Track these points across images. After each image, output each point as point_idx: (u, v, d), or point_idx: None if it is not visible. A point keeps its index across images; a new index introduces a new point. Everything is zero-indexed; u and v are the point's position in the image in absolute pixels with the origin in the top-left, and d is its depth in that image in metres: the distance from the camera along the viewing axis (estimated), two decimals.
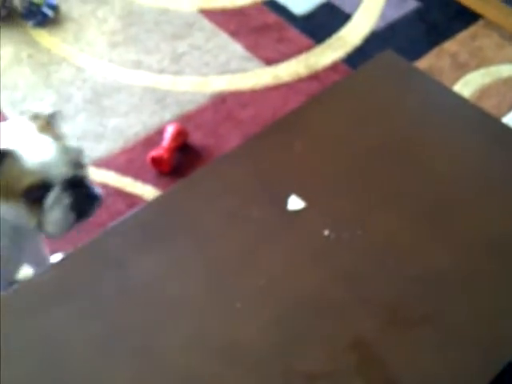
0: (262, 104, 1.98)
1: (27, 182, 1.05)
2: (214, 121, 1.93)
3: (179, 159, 1.81)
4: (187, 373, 0.85)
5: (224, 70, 2.13)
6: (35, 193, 1.05)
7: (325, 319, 0.92)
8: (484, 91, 2.03)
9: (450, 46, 2.20)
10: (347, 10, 2.34)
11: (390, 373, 0.86)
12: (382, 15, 2.32)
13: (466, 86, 2.05)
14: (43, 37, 2.25)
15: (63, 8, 2.36)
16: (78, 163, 1.11)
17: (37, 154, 1.06)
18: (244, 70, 2.13)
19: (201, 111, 1.96)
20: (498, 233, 1.01)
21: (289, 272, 0.96)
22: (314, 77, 2.08)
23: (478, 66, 2.12)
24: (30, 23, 2.28)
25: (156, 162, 1.76)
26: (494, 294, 0.94)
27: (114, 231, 1.02)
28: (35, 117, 1.13)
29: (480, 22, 2.27)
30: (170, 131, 1.82)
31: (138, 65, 2.13)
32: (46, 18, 2.29)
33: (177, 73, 2.12)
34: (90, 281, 0.95)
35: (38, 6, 2.27)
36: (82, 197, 1.09)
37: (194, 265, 0.97)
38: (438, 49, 2.19)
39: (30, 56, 2.18)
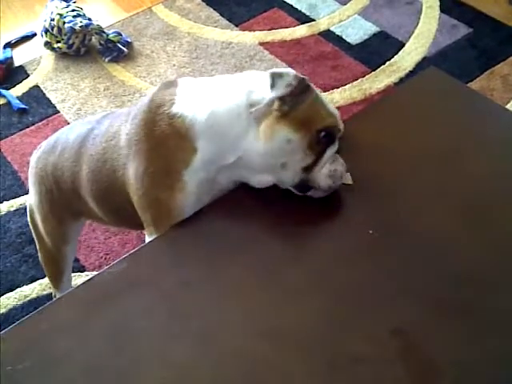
0: None
1: (327, 122, 1.03)
2: None
3: None
4: (240, 354, 0.91)
5: None
6: (324, 137, 1.02)
7: (368, 308, 0.94)
8: None
9: (501, 69, 2.24)
10: (400, 37, 2.42)
11: (430, 359, 0.88)
12: (434, 42, 2.39)
13: None
14: (118, 71, 2.43)
15: (136, 45, 2.54)
16: None
17: (330, 104, 1.07)
18: None
19: None
20: None
21: (334, 264, 1.01)
22: (368, 100, 2.16)
23: None
24: (107, 59, 2.46)
25: None
26: None
27: (174, 232, 1.09)
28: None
29: None
30: None
31: None
32: (121, 54, 2.47)
33: None
34: (153, 274, 1.02)
35: (114, 42, 2.46)
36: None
37: (245, 257, 1.03)
38: (489, 72, 2.23)
39: (106, 88, 2.36)
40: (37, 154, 1.40)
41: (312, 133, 1.02)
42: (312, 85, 1.04)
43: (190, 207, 1.08)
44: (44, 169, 1.35)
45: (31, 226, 1.48)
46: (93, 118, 1.34)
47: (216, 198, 1.11)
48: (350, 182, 1.11)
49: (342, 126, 1.06)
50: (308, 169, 1.03)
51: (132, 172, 1.10)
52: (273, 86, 0.99)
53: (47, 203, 1.38)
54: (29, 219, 1.47)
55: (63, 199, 1.34)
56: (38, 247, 1.51)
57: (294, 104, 1.01)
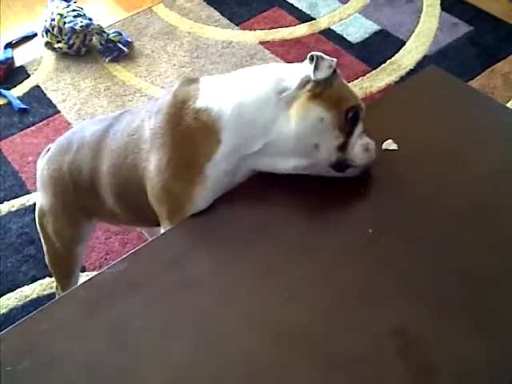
0: None
1: (353, 102, 1.07)
2: None
3: None
4: (240, 353, 0.91)
5: None
6: (351, 117, 1.06)
7: (368, 307, 0.94)
8: None
9: (501, 67, 2.23)
10: (401, 36, 2.42)
11: (430, 359, 0.88)
12: (435, 40, 2.38)
13: None
14: (119, 71, 2.43)
15: (137, 45, 2.54)
16: None
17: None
18: None
19: None
20: None
21: (334, 263, 1.01)
22: (369, 99, 2.15)
23: None
24: (107, 59, 2.46)
25: None
26: None
27: (174, 232, 1.09)
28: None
29: None
30: None
31: None
32: (121, 54, 2.47)
33: None
34: (153, 275, 1.01)
35: (115, 42, 2.46)
36: None
37: (245, 258, 1.03)
38: (490, 70, 2.22)
39: (107, 88, 2.36)
40: (45, 156, 1.41)
41: (341, 112, 1.05)
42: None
43: (206, 201, 1.10)
44: (59, 169, 1.35)
45: (39, 229, 1.47)
46: (106, 116, 1.36)
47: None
48: (395, 147, 1.15)
49: (363, 106, 1.10)
50: (341, 148, 1.06)
51: (154, 164, 1.11)
52: (316, 68, 1.02)
53: (62, 204, 1.39)
54: (37, 221, 1.46)
55: (79, 199, 1.34)
56: (45, 249, 1.50)
57: (326, 85, 1.03)
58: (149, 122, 1.15)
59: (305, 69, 1.05)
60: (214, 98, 1.09)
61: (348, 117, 1.05)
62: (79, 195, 1.33)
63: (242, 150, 1.08)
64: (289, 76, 1.06)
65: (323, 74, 1.02)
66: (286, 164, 1.09)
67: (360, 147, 1.07)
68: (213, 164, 1.07)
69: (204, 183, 1.08)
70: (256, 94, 1.06)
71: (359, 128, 1.08)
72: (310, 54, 1.03)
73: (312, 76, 1.02)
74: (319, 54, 1.03)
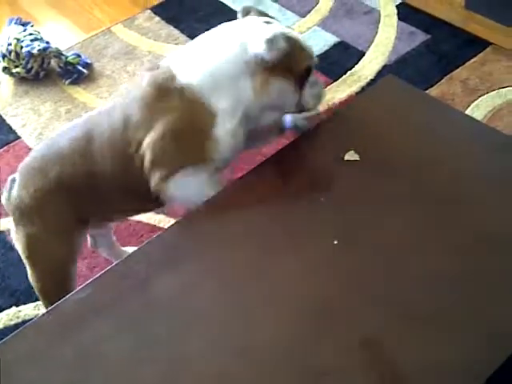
0: None
1: (308, 62, 1.22)
2: None
3: None
4: (209, 374, 0.91)
5: None
6: (304, 74, 1.22)
7: (336, 319, 0.95)
8: (495, 113, 2.09)
9: (460, 73, 2.26)
10: (360, 47, 2.43)
11: (399, 369, 0.88)
12: (394, 50, 2.40)
13: (478, 110, 2.10)
14: (79, 93, 2.41)
15: (96, 66, 2.51)
16: None
17: (306, 42, 1.23)
18: None
19: None
20: (497, 233, 1.04)
21: (300, 277, 1.01)
22: (331, 110, 2.14)
23: (488, 90, 2.17)
24: (67, 81, 2.44)
25: None
26: (494, 291, 0.97)
27: (139, 253, 1.09)
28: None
29: (488, 49, 2.33)
30: None
31: None
32: (81, 76, 2.44)
33: None
34: (119, 298, 1.01)
35: (74, 65, 2.43)
36: None
37: (212, 276, 1.04)
38: (449, 77, 2.24)
39: (67, 111, 2.33)
40: (14, 187, 1.38)
41: (296, 76, 1.20)
42: (290, 31, 1.21)
43: (228, 152, 1.21)
44: (42, 189, 1.33)
45: (28, 262, 1.41)
46: (72, 124, 1.38)
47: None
48: (356, 157, 1.20)
49: (315, 58, 1.26)
50: (298, 102, 1.23)
51: (156, 135, 1.17)
52: (269, 49, 1.13)
53: (55, 222, 1.36)
54: (26, 255, 1.40)
55: (75, 206, 1.34)
56: (36, 279, 1.43)
57: (281, 57, 1.15)
58: (137, 116, 1.20)
59: (263, 31, 1.15)
60: (189, 73, 1.18)
61: (302, 75, 1.21)
62: (74, 201, 1.33)
63: (235, 113, 1.19)
64: (250, 41, 1.15)
65: (277, 54, 1.14)
66: (268, 119, 1.24)
67: (310, 97, 1.24)
68: (220, 127, 1.18)
69: (218, 140, 1.18)
70: (228, 67, 1.17)
71: (311, 78, 1.23)
72: (265, 38, 1.13)
73: (266, 57, 1.13)
74: (272, 35, 1.13)
